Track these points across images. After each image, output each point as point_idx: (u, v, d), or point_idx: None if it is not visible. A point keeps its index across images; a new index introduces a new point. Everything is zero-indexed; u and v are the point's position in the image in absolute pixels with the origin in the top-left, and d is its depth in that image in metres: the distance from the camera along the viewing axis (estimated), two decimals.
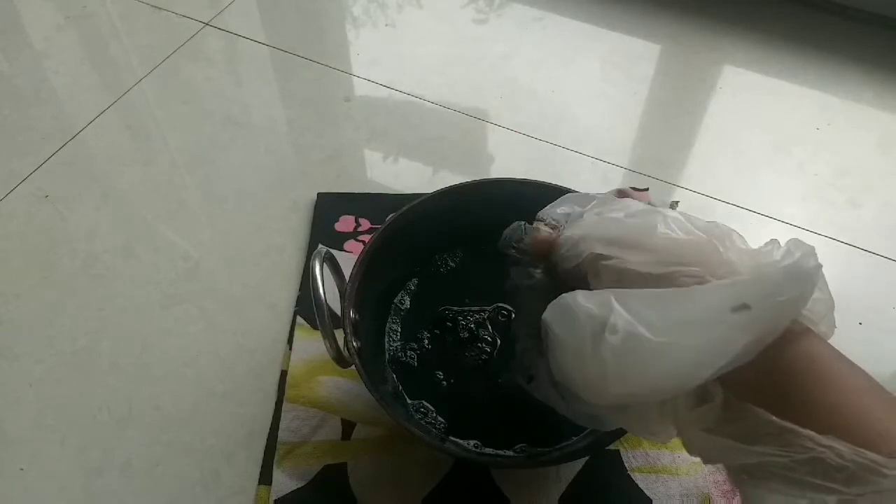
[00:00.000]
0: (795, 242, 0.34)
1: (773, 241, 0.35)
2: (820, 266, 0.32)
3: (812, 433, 0.29)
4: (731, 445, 0.32)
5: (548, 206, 0.43)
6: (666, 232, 0.35)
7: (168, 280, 0.66)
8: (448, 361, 0.56)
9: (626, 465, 0.54)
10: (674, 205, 0.70)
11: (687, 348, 0.31)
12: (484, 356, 0.56)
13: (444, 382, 0.55)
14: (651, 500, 0.52)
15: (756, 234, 0.70)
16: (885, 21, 0.90)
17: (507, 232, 0.43)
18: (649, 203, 0.69)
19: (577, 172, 0.76)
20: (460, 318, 0.58)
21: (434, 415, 0.53)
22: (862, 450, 0.28)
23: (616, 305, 0.32)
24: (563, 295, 0.36)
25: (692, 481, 0.53)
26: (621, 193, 0.70)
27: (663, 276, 0.33)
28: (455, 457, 0.54)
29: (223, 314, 0.64)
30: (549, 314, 0.37)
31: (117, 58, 0.89)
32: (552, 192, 0.56)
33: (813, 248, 0.33)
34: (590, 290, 0.36)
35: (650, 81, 0.87)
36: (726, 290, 0.32)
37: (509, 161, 0.78)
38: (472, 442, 0.52)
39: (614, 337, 0.32)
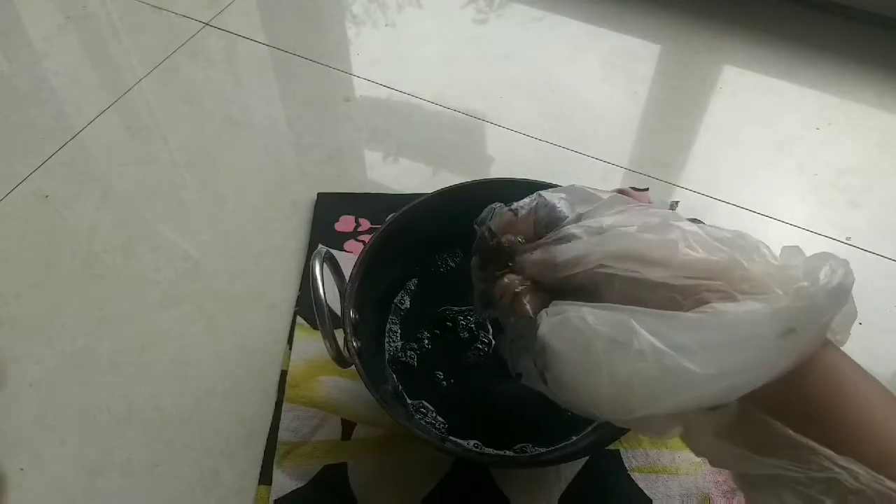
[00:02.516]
0: (830, 259, 0.32)
1: (796, 250, 0.34)
2: (854, 280, 0.31)
3: (831, 453, 0.29)
4: (743, 454, 0.31)
5: (546, 192, 0.41)
6: (687, 252, 0.33)
7: (168, 280, 0.66)
8: (448, 361, 0.56)
9: (626, 464, 0.54)
10: (673, 205, 0.70)
11: (728, 375, 0.30)
12: (484, 356, 0.56)
13: (444, 382, 0.55)
14: (651, 500, 0.52)
15: (756, 234, 0.70)
16: (885, 21, 0.90)
17: (484, 212, 0.43)
18: (649, 202, 0.69)
19: (577, 172, 0.76)
20: (460, 317, 0.58)
21: (434, 415, 0.53)
22: (881, 477, 0.27)
23: (639, 329, 0.30)
24: (565, 309, 0.34)
25: (692, 481, 0.53)
26: (621, 193, 0.69)
27: (682, 288, 0.32)
28: (455, 457, 0.54)
29: (223, 314, 0.64)
30: (546, 328, 0.34)
31: (117, 58, 0.89)
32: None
33: (847, 262, 0.32)
34: (588, 300, 0.34)
35: (650, 81, 0.87)
36: (772, 314, 0.30)
37: (509, 161, 0.78)
38: (472, 442, 0.52)
39: (645, 365, 0.30)
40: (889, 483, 0.27)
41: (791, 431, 0.30)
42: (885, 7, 0.89)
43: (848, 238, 0.70)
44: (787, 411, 0.31)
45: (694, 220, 0.51)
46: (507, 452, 0.52)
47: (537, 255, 0.38)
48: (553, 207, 0.39)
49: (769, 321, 0.30)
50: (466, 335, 0.57)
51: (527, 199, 0.41)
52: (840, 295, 0.30)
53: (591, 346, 0.32)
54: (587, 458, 0.54)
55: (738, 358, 0.30)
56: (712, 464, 0.34)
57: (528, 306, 0.37)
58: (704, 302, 0.31)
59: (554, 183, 0.57)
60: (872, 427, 0.29)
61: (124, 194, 0.74)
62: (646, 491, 0.53)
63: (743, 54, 0.89)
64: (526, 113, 0.82)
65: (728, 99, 0.84)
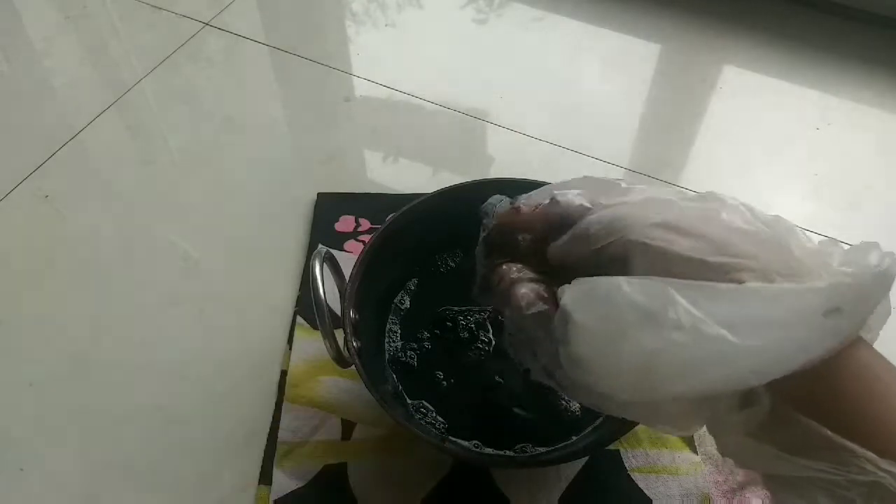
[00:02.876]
0: (876, 246, 0.31)
1: (833, 242, 0.32)
2: None
3: (873, 455, 0.27)
4: (776, 454, 0.30)
5: (560, 187, 0.38)
6: (729, 220, 0.31)
7: (168, 280, 0.66)
8: (448, 361, 0.56)
9: (626, 464, 0.54)
10: None
11: (768, 350, 0.28)
12: (484, 356, 0.56)
13: (445, 382, 0.55)
14: (651, 500, 0.52)
15: None
16: (885, 21, 0.90)
17: (489, 200, 0.42)
18: None
19: (578, 172, 0.74)
20: (460, 318, 0.58)
21: (434, 415, 0.53)
22: None
23: (679, 298, 0.29)
24: (595, 279, 0.32)
25: (692, 481, 0.53)
26: None
27: (717, 265, 0.30)
28: (455, 457, 0.54)
29: (223, 314, 0.64)
30: (569, 299, 0.32)
31: (117, 58, 0.89)
32: None
33: (892, 252, 0.31)
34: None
35: (650, 81, 0.87)
36: (820, 292, 0.29)
37: (509, 161, 0.78)
38: (472, 442, 0.52)
39: (680, 334, 0.28)
40: None
41: (829, 432, 0.29)
42: (885, 7, 0.89)
43: (848, 238, 0.70)
44: (817, 408, 0.30)
45: None
46: (507, 452, 0.52)
47: (566, 237, 0.36)
48: (569, 204, 0.37)
49: (815, 297, 0.28)
50: (466, 335, 0.57)
51: (534, 193, 0.40)
52: (887, 281, 0.29)
53: (620, 317, 0.30)
54: (587, 458, 0.54)
55: (780, 333, 0.28)
56: (740, 465, 0.33)
57: (521, 292, 0.36)
58: (741, 282, 0.30)
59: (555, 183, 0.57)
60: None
61: (124, 194, 0.74)
62: (646, 491, 0.53)
63: (743, 54, 0.89)
64: (526, 113, 0.82)
65: (728, 99, 0.84)
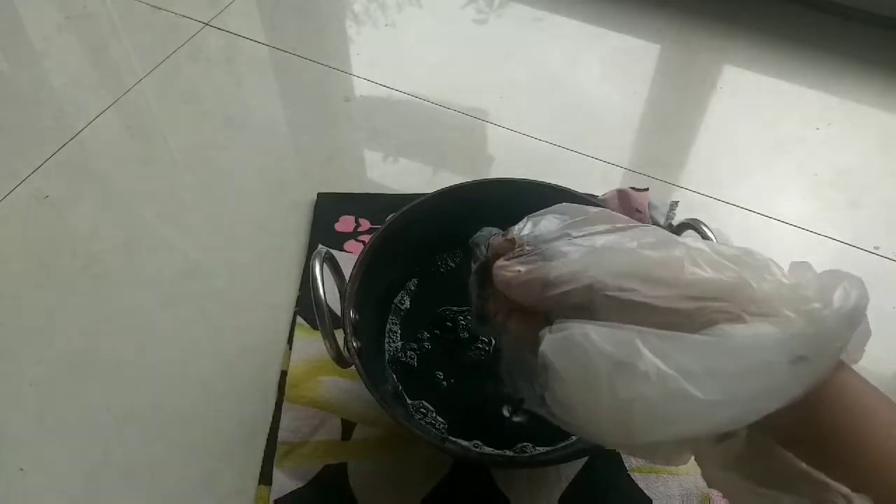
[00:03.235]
0: (844, 279, 0.30)
1: (805, 266, 0.32)
2: (868, 300, 0.30)
3: (847, 491, 0.27)
4: (753, 488, 0.30)
5: (531, 218, 0.39)
6: (694, 271, 0.31)
7: (168, 280, 0.66)
8: (448, 362, 0.56)
9: (626, 464, 0.54)
10: (673, 205, 0.70)
11: (736, 403, 0.28)
12: (484, 356, 0.56)
13: (445, 382, 0.55)
14: (651, 500, 0.52)
15: (757, 234, 0.70)
16: (885, 21, 0.90)
17: (479, 232, 0.42)
18: (650, 204, 0.69)
19: (577, 172, 0.76)
20: (460, 318, 0.58)
21: (434, 415, 0.53)
22: None
23: (644, 351, 0.29)
24: (569, 326, 0.32)
25: (692, 481, 0.53)
26: (621, 194, 0.70)
27: (684, 311, 0.30)
28: (455, 457, 0.54)
29: (223, 314, 0.64)
30: (548, 347, 0.32)
31: (117, 58, 0.90)
32: (552, 193, 0.57)
33: (862, 282, 0.30)
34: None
35: (650, 81, 0.87)
36: (783, 341, 0.28)
37: (509, 161, 0.78)
38: (472, 442, 0.52)
39: (649, 387, 0.28)
40: None
41: (804, 465, 0.29)
42: (885, 7, 0.89)
43: (848, 238, 0.70)
44: (799, 439, 0.30)
45: (694, 221, 0.51)
46: (507, 452, 0.52)
47: (524, 275, 0.35)
48: (540, 228, 0.38)
49: (780, 347, 0.28)
50: (466, 335, 0.57)
51: (521, 223, 0.40)
52: (854, 318, 0.29)
53: (593, 366, 0.30)
54: (587, 458, 0.54)
55: (747, 384, 0.28)
56: (725, 496, 0.33)
57: (516, 327, 0.37)
58: (713, 323, 0.29)
59: (554, 183, 0.57)
60: (891, 457, 0.28)
61: (124, 194, 0.74)
62: (646, 491, 0.53)
63: (743, 54, 0.89)
64: (526, 113, 0.82)
65: (728, 99, 0.84)
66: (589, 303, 0.32)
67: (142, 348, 0.62)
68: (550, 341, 0.32)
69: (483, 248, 0.42)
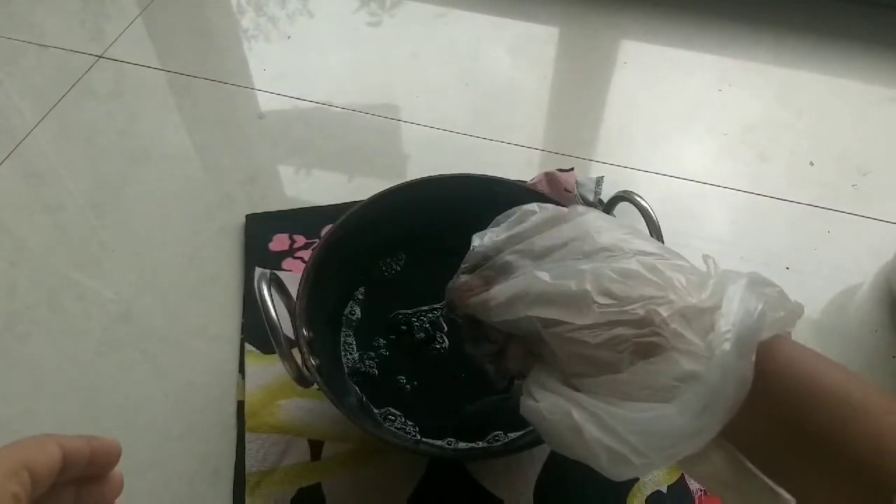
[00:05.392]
0: (732, 295, 0.33)
1: (709, 262, 0.36)
2: (775, 292, 0.33)
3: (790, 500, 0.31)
4: (721, 488, 0.33)
5: (476, 239, 0.42)
6: (604, 303, 0.33)
7: (101, 327, 0.63)
8: (408, 365, 0.56)
9: None
10: (599, 181, 0.72)
11: (662, 459, 0.31)
12: (443, 353, 0.56)
13: (408, 386, 0.55)
14: None
15: (680, 198, 0.73)
16: None
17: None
18: (577, 182, 0.70)
19: (501, 161, 0.77)
20: (414, 320, 0.58)
21: (403, 420, 0.53)
22: None
23: (583, 424, 0.33)
24: (523, 400, 0.37)
25: None
26: (549, 176, 0.71)
27: (615, 342, 0.33)
28: (431, 457, 0.54)
29: (166, 353, 0.62)
30: (522, 410, 0.37)
31: (6, 106, 0.84)
32: (481, 184, 0.57)
33: (750, 283, 0.33)
34: (547, 353, 0.36)
35: (554, 64, 0.89)
36: (684, 403, 0.31)
37: (434, 158, 0.78)
38: (445, 440, 0.52)
39: (598, 446, 0.32)
40: None
41: (769, 481, 0.32)
42: None
43: (764, 190, 0.74)
44: (753, 434, 0.32)
45: (626, 193, 0.53)
46: (480, 444, 0.52)
47: (475, 298, 0.39)
48: (485, 241, 0.40)
49: (683, 411, 0.31)
50: (423, 335, 0.57)
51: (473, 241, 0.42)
52: (744, 341, 0.31)
53: (557, 430, 0.34)
54: None
55: (665, 442, 0.31)
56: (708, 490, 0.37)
57: (508, 366, 0.41)
58: (638, 354, 0.32)
59: (481, 174, 0.58)
60: (838, 434, 0.29)
61: (38, 245, 0.70)
62: None
63: (640, 28, 0.93)
64: (441, 108, 0.83)
65: (632, 72, 0.87)
66: (537, 333, 0.35)
67: (85, 402, 0.59)
68: (522, 405, 0.37)
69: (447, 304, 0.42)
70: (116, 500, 0.48)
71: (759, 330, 0.31)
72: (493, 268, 0.39)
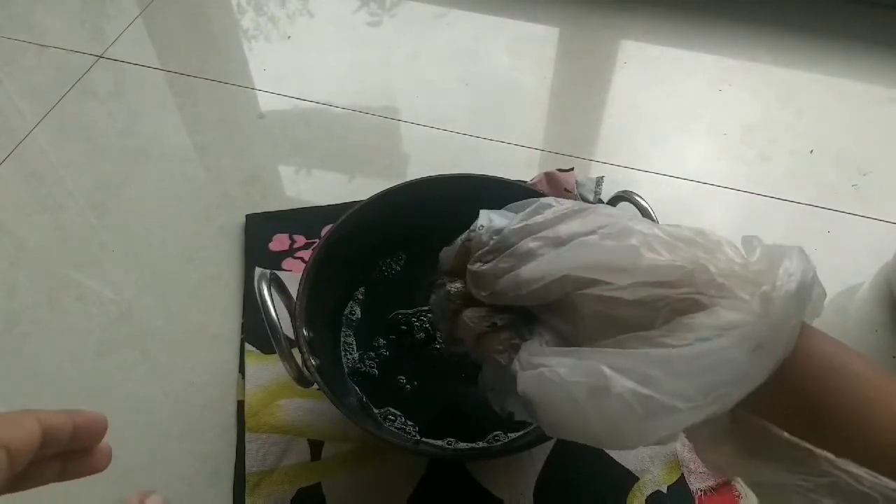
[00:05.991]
0: (786, 255, 0.32)
1: (755, 240, 0.34)
2: (814, 268, 0.32)
3: (829, 456, 0.28)
4: (742, 461, 0.32)
5: (485, 213, 0.39)
6: (652, 257, 0.32)
7: (101, 327, 0.63)
8: (408, 365, 0.56)
9: None
10: (599, 181, 0.72)
11: (709, 403, 0.30)
12: (443, 353, 0.56)
13: (408, 386, 0.55)
14: (623, 466, 0.54)
15: (681, 198, 0.73)
16: None
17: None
18: (577, 182, 0.70)
19: (501, 161, 0.77)
20: (413, 319, 0.58)
21: (403, 420, 0.53)
22: (884, 479, 0.27)
23: (614, 375, 0.30)
24: (538, 362, 0.34)
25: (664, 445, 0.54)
26: (549, 176, 0.71)
27: (652, 301, 0.31)
28: (431, 457, 0.54)
29: (166, 353, 0.62)
30: (524, 386, 0.34)
31: (6, 106, 0.84)
32: (481, 184, 0.57)
33: (804, 256, 0.32)
34: (564, 320, 0.35)
35: (555, 64, 0.89)
36: (737, 339, 0.29)
37: (433, 158, 0.78)
38: (445, 440, 0.52)
39: (627, 406, 0.30)
40: (891, 483, 0.27)
41: (786, 434, 0.30)
42: None
43: (764, 190, 0.74)
44: (777, 409, 0.31)
45: (627, 192, 0.53)
46: (480, 443, 0.52)
47: (500, 280, 0.36)
48: (496, 223, 0.38)
49: (736, 345, 0.29)
50: (422, 335, 0.57)
51: (478, 220, 0.40)
52: (801, 296, 0.30)
53: (571, 395, 0.31)
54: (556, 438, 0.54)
55: (714, 381, 0.30)
56: (718, 470, 0.34)
57: (493, 347, 0.37)
58: (676, 311, 0.31)
59: (481, 174, 0.58)
60: (864, 413, 0.29)
61: (38, 245, 0.70)
62: (617, 459, 0.54)
63: (640, 28, 0.93)
64: (443, 108, 0.83)
65: (632, 72, 0.87)
66: (565, 298, 0.34)
67: (85, 402, 0.58)
68: (525, 379, 0.34)
69: (444, 265, 0.41)
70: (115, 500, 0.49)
71: (812, 288, 0.31)
72: (514, 255, 0.37)
